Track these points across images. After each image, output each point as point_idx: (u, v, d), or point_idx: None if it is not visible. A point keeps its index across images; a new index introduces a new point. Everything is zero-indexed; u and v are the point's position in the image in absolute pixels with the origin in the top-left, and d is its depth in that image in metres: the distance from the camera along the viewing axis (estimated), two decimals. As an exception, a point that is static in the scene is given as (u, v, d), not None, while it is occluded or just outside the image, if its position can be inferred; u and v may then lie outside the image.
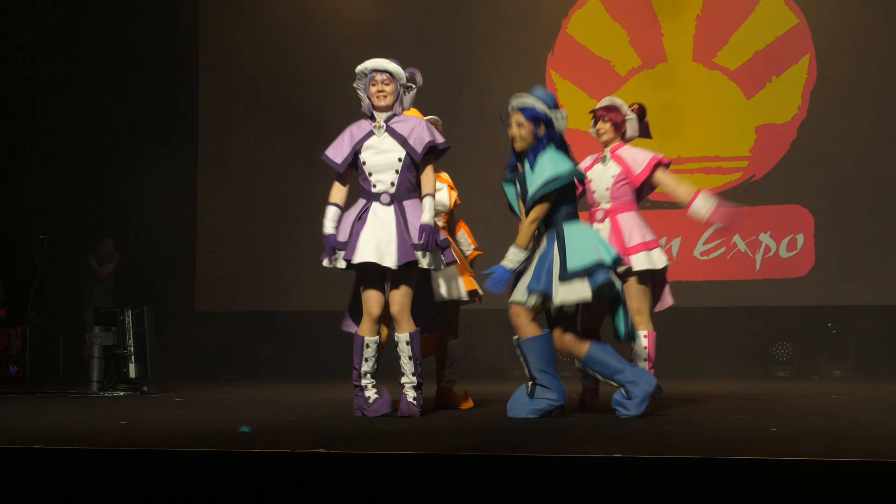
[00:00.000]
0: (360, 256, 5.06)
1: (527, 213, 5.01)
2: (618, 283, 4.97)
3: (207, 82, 12.48)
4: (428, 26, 11.70)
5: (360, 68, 5.24)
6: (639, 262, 5.51)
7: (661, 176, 5.67)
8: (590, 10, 11.60)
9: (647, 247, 5.55)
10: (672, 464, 3.07)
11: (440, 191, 5.88)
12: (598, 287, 4.83)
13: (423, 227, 5.06)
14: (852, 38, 11.01)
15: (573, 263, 4.84)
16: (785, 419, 4.79)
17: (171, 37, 12.17)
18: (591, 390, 5.72)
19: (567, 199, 5.01)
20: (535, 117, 4.99)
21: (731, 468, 3.01)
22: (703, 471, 3.02)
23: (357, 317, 5.30)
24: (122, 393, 7.54)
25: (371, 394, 5.17)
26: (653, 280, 5.65)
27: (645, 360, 5.50)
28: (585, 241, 4.92)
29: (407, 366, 5.12)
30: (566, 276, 4.83)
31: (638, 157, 5.69)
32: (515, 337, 5.01)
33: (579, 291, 4.82)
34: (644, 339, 5.50)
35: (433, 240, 5.08)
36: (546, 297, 4.88)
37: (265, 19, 12.20)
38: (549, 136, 5.00)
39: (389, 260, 5.03)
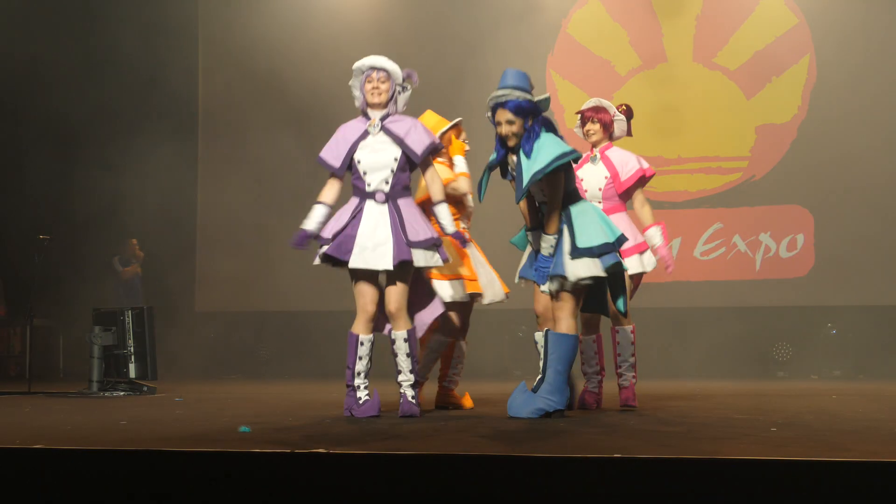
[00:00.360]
0: (354, 262, 5.07)
1: (521, 194, 4.97)
2: (624, 263, 5.10)
3: (208, 83, 12.48)
4: (429, 26, 11.70)
5: (356, 65, 5.22)
6: (633, 265, 5.68)
7: (637, 192, 5.86)
8: (590, 10, 11.60)
9: (639, 249, 5.76)
10: (672, 464, 3.07)
11: (467, 195, 5.90)
12: (608, 267, 4.91)
13: (455, 237, 5.22)
14: (852, 38, 11.02)
15: (582, 242, 4.90)
16: (785, 419, 4.79)
17: (172, 36, 12.16)
18: (591, 391, 5.73)
19: (569, 180, 5.03)
20: (520, 109, 4.97)
21: (731, 468, 3.01)
22: (703, 471, 3.02)
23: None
24: (122, 393, 7.54)
25: (363, 394, 5.16)
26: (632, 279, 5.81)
27: (632, 354, 5.71)
28: (592, 221, 4.98)
29: (404, 363, 5.11)
30: (577, 253, 4.88)
31: (627, 162, 5.82)
32: (546, 329, 5.02)
33: (590, 268, 4.89)
34: (631, 334, 5.74)
35: (462, 240, 5.29)
36: (562, 277, 4.90)
37: (266, 15, 12.19)
38: (538, 122, 4.99)
39: (385, 262, 5.02)
